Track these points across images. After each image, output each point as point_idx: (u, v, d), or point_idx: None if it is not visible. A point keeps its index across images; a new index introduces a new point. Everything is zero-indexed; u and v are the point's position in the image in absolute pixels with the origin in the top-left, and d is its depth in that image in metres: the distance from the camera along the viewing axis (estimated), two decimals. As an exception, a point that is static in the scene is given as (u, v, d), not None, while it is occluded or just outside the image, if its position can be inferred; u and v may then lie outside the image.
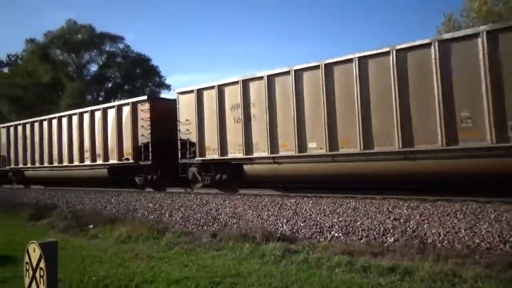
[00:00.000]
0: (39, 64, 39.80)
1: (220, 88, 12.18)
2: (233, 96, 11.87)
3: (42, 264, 2.17)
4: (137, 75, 44.09)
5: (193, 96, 12.85)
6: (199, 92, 12.74)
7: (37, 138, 18.91)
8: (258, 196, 11.03)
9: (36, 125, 19.12)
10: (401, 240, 6.99)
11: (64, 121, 17.57)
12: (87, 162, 16.26)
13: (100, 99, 41.50)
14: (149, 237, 8.75)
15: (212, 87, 12.36)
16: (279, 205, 9.73)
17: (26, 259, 2.28)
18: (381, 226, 7.58)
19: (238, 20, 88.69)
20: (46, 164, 18.41)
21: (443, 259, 5.83)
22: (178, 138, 13.18)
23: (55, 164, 17.88)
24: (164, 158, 13.92)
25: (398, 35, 71.22)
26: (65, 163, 17.35)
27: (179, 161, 13.14)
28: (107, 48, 43.24)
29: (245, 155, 11.52)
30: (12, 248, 8.20)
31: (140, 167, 14.34)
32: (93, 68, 44.00)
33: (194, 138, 12.76)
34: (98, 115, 15.90)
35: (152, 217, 11.02)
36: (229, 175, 12.08)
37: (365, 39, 75.21)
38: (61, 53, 41.64)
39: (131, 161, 14.46)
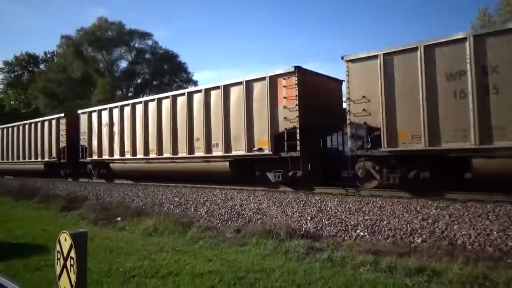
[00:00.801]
0: (72, 59, 41.14)
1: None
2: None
3: (72, 253, 2.24)
4: (165, 71, 44.82)
5: (376, 63, 9.40)
6: (386, 58, 9.26)
7: (128, 125, 16.19)
8: (283, 192, 11.01)
9: (127, 109, 16.34)
10: (429, 241, 6.81)
11: (166, 103, 14.70)
12: (199, 154, 13.32)
13: (130, 94, 42.46)
14: (174, 231, 8.90)
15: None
16: (303, 202, 9.67)
17: (58, 248, 2.36)
18: (408, 226, 7.41)
19: (268, 16, 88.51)
20: (139, 156, 15.59)
21: (473, 262, 5.65)
22: (348, 121, 9.91)
23: (152, 155, 15.10)
24: (314, 149, 11.50)
25: (429, 30, 69.16)
26: (166, 155, 14.49)
27: (349, 153, 10.03)
28: (136, 45, 44.17)
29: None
30: (45, 238, 8.55)
31: (280, 160, 11.29)
32: (123, 64, 45.08)
33: (374, 120, 9.47)
34: (214, 94, 12.87)
35: (177, 211, 11.20)
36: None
37: (394, 34, 73.42)
38: (92, 50, 42.84)
39: (267, 152, 11.42)
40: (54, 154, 20.47)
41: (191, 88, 14.05)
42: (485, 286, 4.96)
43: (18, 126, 24.01)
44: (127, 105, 16.45)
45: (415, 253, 6.33)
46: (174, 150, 14.16)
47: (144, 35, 43.65)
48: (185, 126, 13.68)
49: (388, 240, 7.16)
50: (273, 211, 9.55)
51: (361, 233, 7.65)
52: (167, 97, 14.67)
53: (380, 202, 8.77)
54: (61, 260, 2.33)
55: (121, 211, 11.46)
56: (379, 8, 76.90)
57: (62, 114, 20.70)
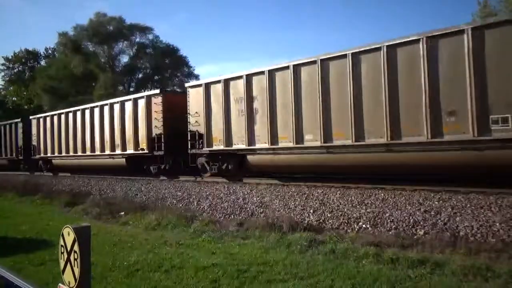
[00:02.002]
0: (72, 56, 41.02)
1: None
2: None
3: (76, 248, 2.25)
4: (166, 65, 44.65)
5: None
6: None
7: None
8: (285, 186, 11.03)
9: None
10: (432, 232, 6.83)
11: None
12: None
13: (131, 89, 42.43)
14: (177, 225, 8.95)
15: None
16: (306, 195, 9.69)
17: (61, 243, 2.37)
18: (410, 218, 7.42)
19: (268, 9, 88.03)
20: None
21: (476, 253, 5.67)
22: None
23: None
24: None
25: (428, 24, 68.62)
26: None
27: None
28: (137, 39, 44.01)
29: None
30: (49, 233, 8.61)
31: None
32: (124, 59, 44.97)
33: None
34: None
35: (180, 205, 11.25)
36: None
37: (395, 27, 72.91)
38: (92, 45, 42.71)
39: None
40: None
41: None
42: (488, 277, 4.97)
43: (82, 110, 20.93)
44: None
45: (417, 245, 6.34)
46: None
47: (145, 29, 43.45)
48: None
49: (390, 232, 7.18)
50: (276, 204, 9.58)
51: (364, 226, 7.67)
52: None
53: (382, 194, 8.78)
54: (65, 254, 2.35)
55: (124, 205, 11.53)
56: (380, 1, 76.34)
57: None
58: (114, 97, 21.09)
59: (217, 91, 12.74)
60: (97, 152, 17.78)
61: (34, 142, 22.32)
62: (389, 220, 7.55)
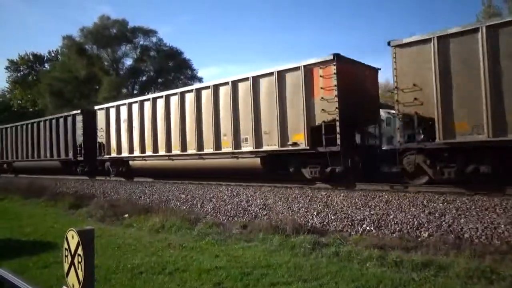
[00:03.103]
0: (76, 59, 41.26)
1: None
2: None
3: (80, 251, 2.26)
4: (169, 68, 44.82)
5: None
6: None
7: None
8: (289, 188, 11.02)
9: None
10: (436, 235, 6.79)
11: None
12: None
13: (135, 92, 42.58)
14: (181, 227, 8.95)
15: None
16: (309, 197, 9.68)
17: (65, 246, 2.39)
18: (415, 220, 7.39)
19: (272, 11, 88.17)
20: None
21: (480, 256, 5.63)
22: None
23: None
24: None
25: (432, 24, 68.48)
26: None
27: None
28: (141, 42, 44.21)
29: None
30: (53, 235, 8.64)
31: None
32: (128, 62, 45.17)
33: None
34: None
35: (184, 207, 11.26)
36: None
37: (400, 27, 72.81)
38: (96, 48, 42.94)
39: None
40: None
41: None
42: (493, 280, 4.94)
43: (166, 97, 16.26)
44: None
45: (421, 247, 6.31)
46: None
47: (148, 32, 43.65)
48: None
49: (394, 235, 7.15)
50: (279, 206, 9.57)
51: (368, 228, 7.64)
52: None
53: (386, 196, 8.75)
54: (69, 257, 2.36)
55: (128, 208, 11.55)
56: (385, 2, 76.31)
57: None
58: (117, 100, 20.15)
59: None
60: (207, 150, 13.33)
61: (101, 139, 18.11)
62: (393, 222, 7.52)
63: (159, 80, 45.13)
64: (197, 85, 15.24)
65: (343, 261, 6.06)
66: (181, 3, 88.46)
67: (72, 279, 2.34)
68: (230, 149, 12.66)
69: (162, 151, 15.11)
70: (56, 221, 10.80)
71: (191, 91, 14.29)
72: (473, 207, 7.38)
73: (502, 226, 6.54)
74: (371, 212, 8.10)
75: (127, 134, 16.69)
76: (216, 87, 13.24)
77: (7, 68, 52.95)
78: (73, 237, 2.32)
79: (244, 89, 12.32)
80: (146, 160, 16.04)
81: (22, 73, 53.86)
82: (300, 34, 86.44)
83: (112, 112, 17.73)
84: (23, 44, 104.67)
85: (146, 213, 10.62)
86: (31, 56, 53.18)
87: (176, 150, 14.57)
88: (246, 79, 12.24)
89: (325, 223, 8.25)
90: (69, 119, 20.41)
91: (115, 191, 15.06)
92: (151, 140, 15.53)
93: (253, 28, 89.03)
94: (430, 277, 5.15)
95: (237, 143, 12.44)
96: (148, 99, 16.10)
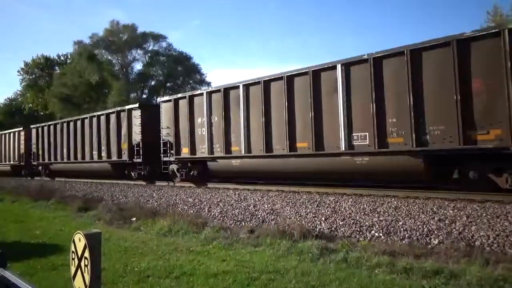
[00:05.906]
0: (86, 64, 41.73)
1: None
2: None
3: (86, 254, 2.25)
4: (178, 72, 45.11)
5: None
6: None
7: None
8: (297, 193, 10.96)
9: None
10: (446, 242, 6.68)
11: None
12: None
13: (144, 96, 42.91)
14: (188, 231, 8.93)
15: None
16: (317, 202, 9.61)
17: (72, 249, 2.38)
18: (424, 227, 7.28)
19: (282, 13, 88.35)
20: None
21: (493, 264, 5.52)
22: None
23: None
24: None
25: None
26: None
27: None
28: (150, 47, 44.60)
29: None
30: (62, 238, 8.69)
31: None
32: (137, 66, 45.59)
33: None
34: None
35: (191, 211, 11.25)
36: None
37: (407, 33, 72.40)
38: (106, 54, 43.42)
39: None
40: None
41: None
42: (505, 289, 4.84)
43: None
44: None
45: (432, 255, 6.21)
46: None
47: (158, 37, 44.03)
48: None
49: (404, 241, 7.06)
50: (287, 211, 9.52)
51: (376, 234, 7.55)
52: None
53: (395, 202, 8.66)
54: (76, 260, 2.35)
55: (136, 211, 11.57)
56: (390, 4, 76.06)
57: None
58: (127, 104, 21.25)
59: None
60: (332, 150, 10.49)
61: (167, 137, 16.05)
62: (402, 229, 7.43)
63: (168, 84, 45.44)
64: (313, 67, 11.01)
65: (351, 267, 5.98)
66: (191, 7, 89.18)
67: (78, 282, 2.33)
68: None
69: (257, 151, 12.32)
70: (64, 224, 10.86)
71: (306, 73, 11.04)
72: (484, 214, 7.26)
73: (515, 233, 6.41)
74: (380, 218, 8.01)
75: (207, 130, 13.96)
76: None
77: (19, 71, 53.86)
78: (80, 240, 2.31)
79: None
80: (233, 160, 13.23)
81: (34, 76, 54.66)
82: (308, 37, 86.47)
83: (183, 104, 15.06)
84: (36, 49, 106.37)
85: (153, 216, 10.63)
86: (42, 59, 53.99)
87: (279, 148, 11.74)
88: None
89: (333, 228, 8.18)
90: (123, 115, 18.04)
91: (123, 195, 15.12)
92: (244, 137, 12.66)
93: (264, 31, 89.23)
94: (440, 285, 5.06)
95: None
96: (236, 86, 13.03)
